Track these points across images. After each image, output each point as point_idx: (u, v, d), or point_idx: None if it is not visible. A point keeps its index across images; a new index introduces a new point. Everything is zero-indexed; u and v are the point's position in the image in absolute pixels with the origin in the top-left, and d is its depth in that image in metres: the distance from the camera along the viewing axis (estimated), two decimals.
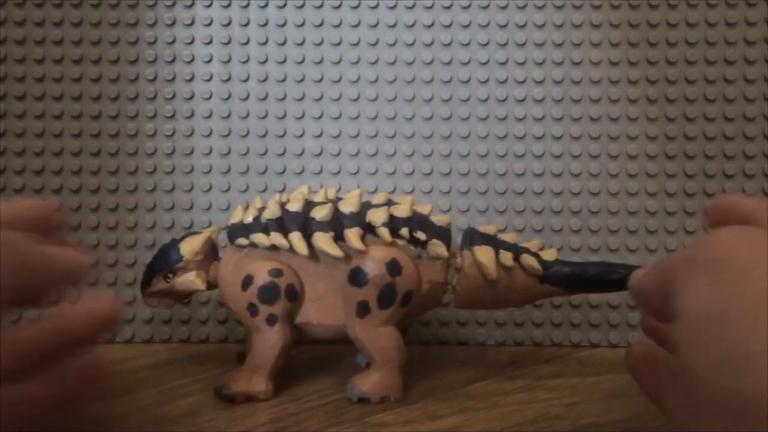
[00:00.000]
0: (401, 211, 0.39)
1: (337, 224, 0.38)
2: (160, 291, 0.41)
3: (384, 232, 0.38)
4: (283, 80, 0.50)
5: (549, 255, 0.40)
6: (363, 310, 0.38)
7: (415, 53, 0.49)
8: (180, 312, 0.49)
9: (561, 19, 0.49)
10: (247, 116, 0.50)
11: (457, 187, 0.49)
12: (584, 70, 0.49)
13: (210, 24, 0.50)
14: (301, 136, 0.50)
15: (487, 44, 0.49)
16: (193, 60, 0.50)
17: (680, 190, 0.49)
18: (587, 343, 0.49)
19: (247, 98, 0.50)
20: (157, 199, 0.49)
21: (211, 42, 0.50)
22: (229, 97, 0.50)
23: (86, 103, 0.49)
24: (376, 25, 0.49)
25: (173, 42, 0.50)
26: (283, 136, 0.50)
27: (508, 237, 0.41)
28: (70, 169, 0.49)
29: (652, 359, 0.28)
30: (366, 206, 0.39)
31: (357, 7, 0.49)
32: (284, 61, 0.50)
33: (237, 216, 0.40)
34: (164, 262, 0.40)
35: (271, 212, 0.39)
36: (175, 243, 0.41)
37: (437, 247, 0.39)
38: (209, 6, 0.50)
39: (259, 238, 0.39)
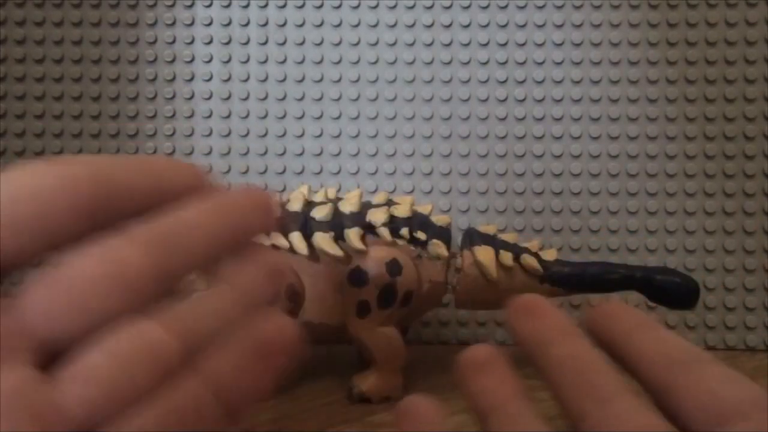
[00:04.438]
0: (401, 211, 0.39)
1: (337, 224, 0.38)
2: None
3: (384, 232, 0.38)
4: (283, 80, 0.50)
5: (549, 255, 0.41)
6: (363, 310, 0.38)
7: (415, 53, 0.49)
8: None
9: (561, 19, 0.49)
10: (247, 116, 0.50)
11: (457, 187, 0.49)
12: (584, 70, 0.49)
13: (210, 24, 0.50)
14: (301, 136, 0.49)
15: (487, 44, 0.49)
16: (193, 60, 0.50)
17: (680, 190, 0.49)
18: None
19: (247, 98, 0.50)
20: None
21: (211, 42, 0.50)
22: (229, 97, 0.50)
23: (86, 103, 0.49)
24: (376, 25, 0.49)
25: (173, 42, 0.50)
26: (283, 136, 0.50)
27: (508, 237, 0.41)
28: None
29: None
30: (366, 206, 0.39)
31: (357, 7, 0.49)
32: (284, 61, 0.50)
33: None
34: None
35: None
36: None
37: (437, 247, 0.39)
38: (209, 6, 0.50)
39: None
